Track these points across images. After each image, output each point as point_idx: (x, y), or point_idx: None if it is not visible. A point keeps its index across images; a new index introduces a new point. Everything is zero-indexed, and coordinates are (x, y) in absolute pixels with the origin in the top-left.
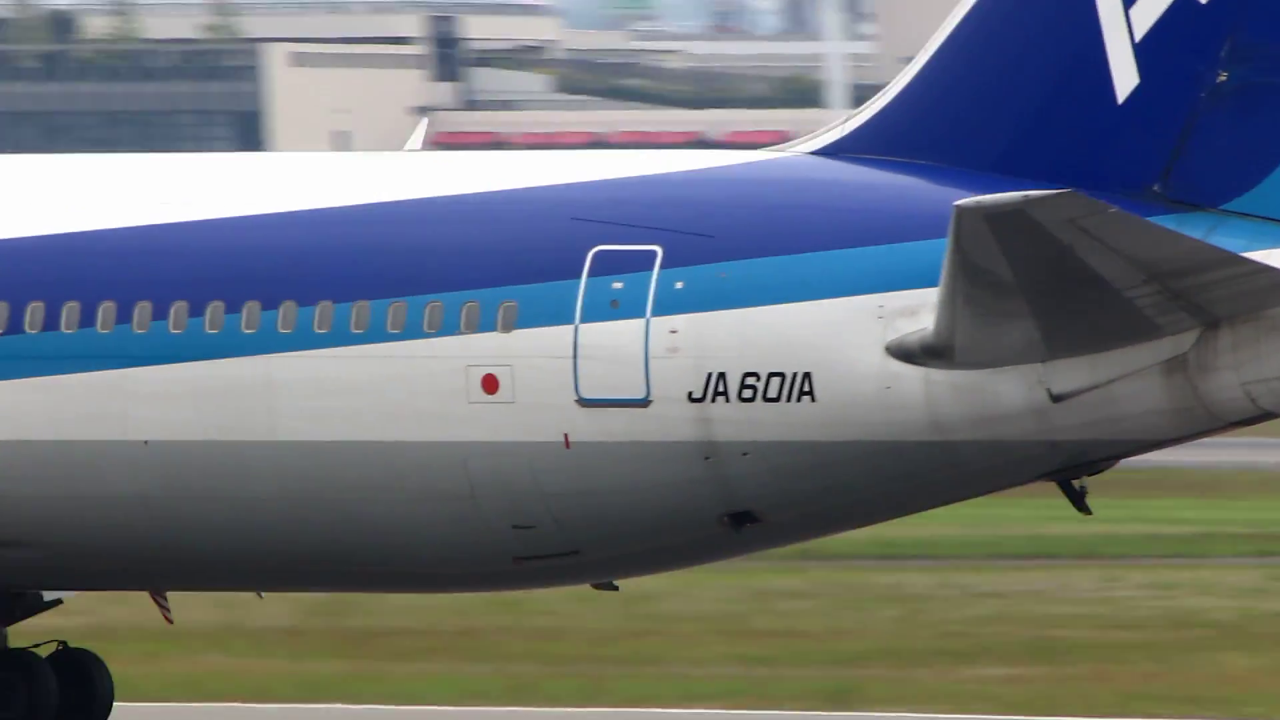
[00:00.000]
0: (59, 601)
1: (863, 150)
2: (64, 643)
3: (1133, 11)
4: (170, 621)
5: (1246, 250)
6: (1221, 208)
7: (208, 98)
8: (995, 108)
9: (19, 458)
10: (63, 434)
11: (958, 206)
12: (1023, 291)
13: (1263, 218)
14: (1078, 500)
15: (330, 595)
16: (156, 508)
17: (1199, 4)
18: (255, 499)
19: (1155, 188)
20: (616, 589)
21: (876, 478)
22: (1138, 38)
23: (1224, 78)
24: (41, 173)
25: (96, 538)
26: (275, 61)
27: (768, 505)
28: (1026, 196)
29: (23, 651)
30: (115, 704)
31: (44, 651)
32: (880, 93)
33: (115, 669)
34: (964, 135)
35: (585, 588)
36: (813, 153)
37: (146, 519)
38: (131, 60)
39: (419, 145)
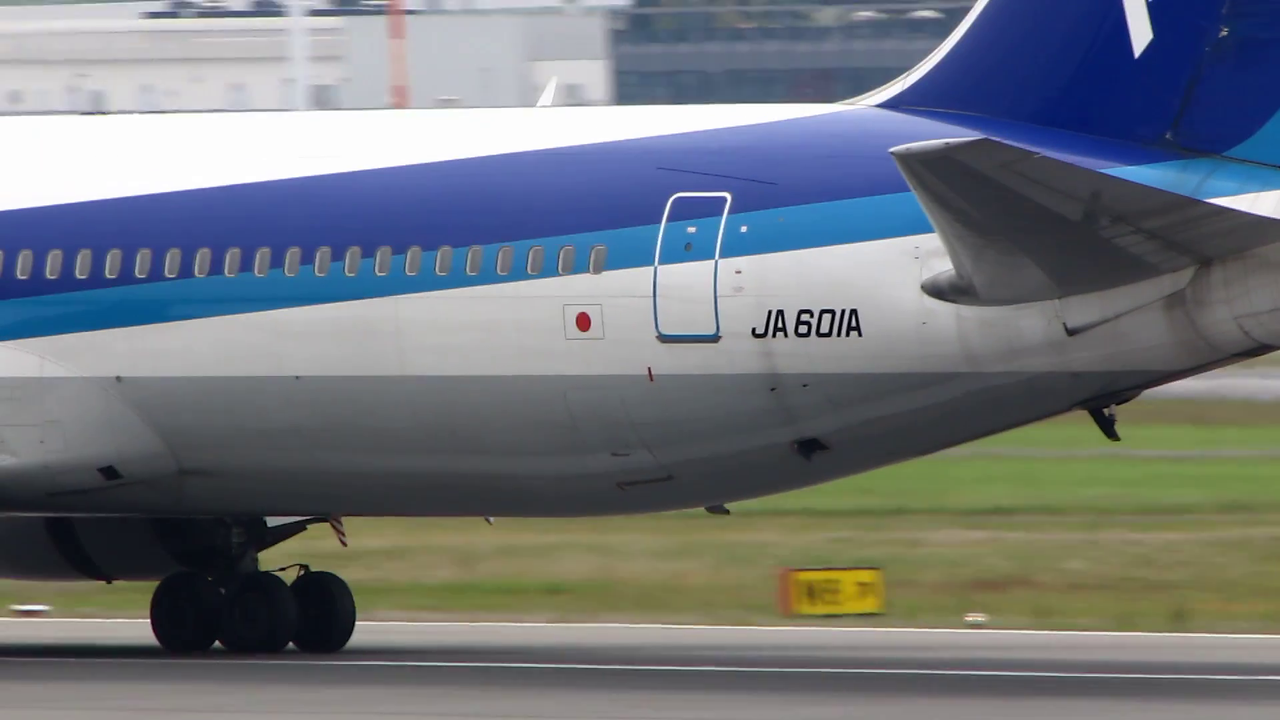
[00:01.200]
0: (303, 527)
1: (919, 103)
2: (306, 566)
3: None
4: (344, 544)
5: (1237, 193)
6: (1224, 154)
7: None
8: (1031, 63)
9: (194, 393)
10: (228, 370)
11: (892, 153)
12: (1001, 231)
13: (1257, 162)
14: (1108, 428)
15: None
16: (308, 438)
17: None
18: (391, 430)
19: (1168, 135)
20: (728, 513)
21: (920, 407)
22: None
23: (1225, 33)
24: (207, 130)
25: (262, 466)
26: None
27: (831, 433)
28: (948, 144)
29: (267, 575)
30: None
31: (289, 575)
32: (936, 49)
33: None
34: (1005, 88)
35: None
36: (878, 105)
37: (300, 449)
38: None
39: (549, 102)
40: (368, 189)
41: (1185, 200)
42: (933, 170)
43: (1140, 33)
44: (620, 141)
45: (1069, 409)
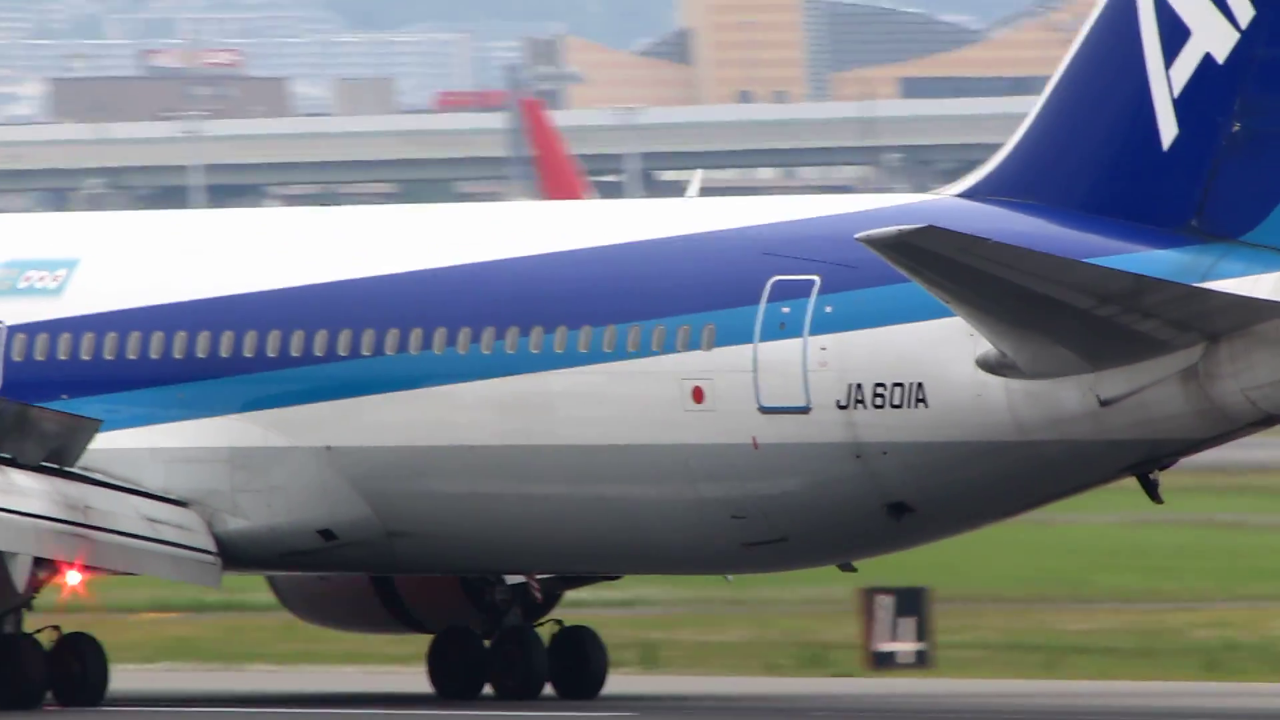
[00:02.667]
0: (558, 588)
1: (992, 192)
2: (560, 622)
3: (1171, 71)
4: (539, 600)
5: (1243, 274)
6: (1239, 239)
7: None
8: (1078, 156)
9: (388, 461)
10: (414, 440)
11: (856, 239)
12: (998, 311)
13: (1267, 246)
14: (1152, 491)
15: None
16: (483, 503)
17: (1218, 64)
18: (548, 495)
19: (1193, 222)
20: (855, 570)
21: (983, 473)
22: (1176, 94)
23: (1237, 128)
24: (390, 221)
25: (450, 529)
26: None
27: (914, 498)
28: (900, 230)
29: (525, 628)
30: None
31: (546, 630)
32: (1007, 141)
33: None
34: (1057, 179)
35: None
36: (957, 195)
37: (478, 513)
38: None
39: (695, 193)
40: (526, 274)
41: (1149, 281)
42: (901, 255)
43: (1168, 127)
44: (732, 229)
45: (1119, 475)
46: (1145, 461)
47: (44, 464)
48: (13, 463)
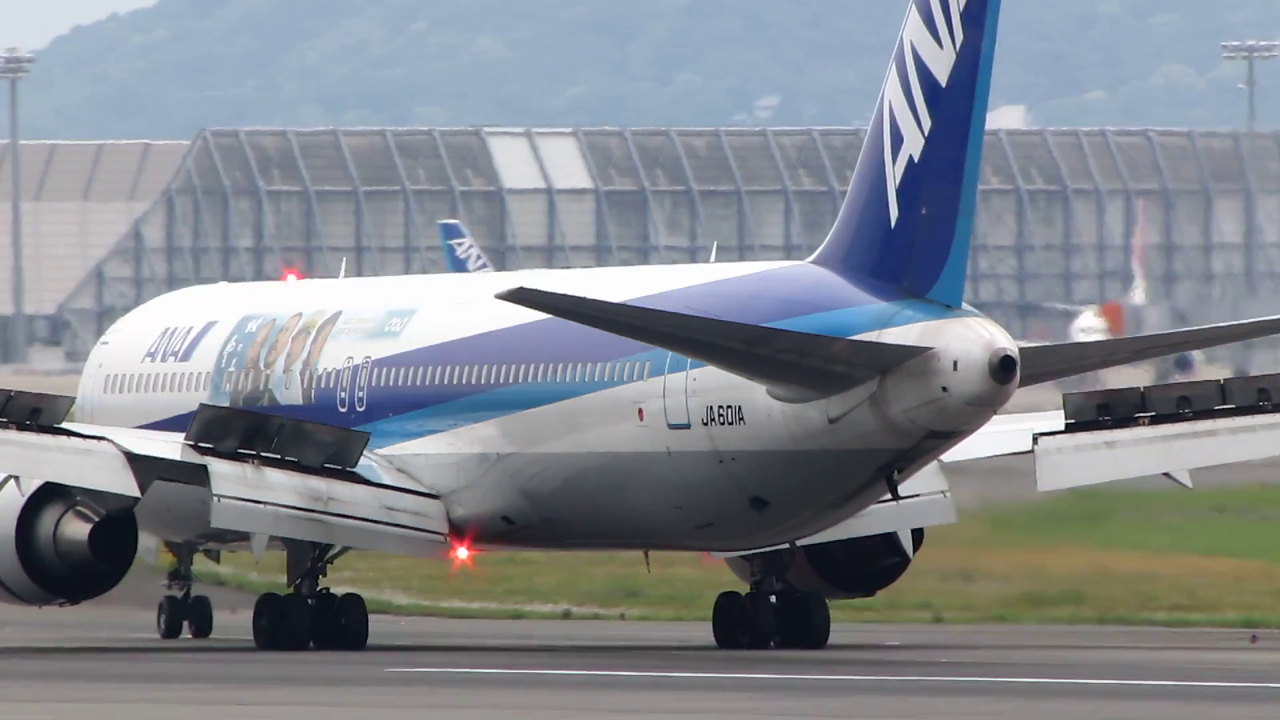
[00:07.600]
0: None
1: (828, 259)
2: (785, 588)
3: (895, 167)
4: (649, 570)
5: (908, 323)
6: (925, 296)
7: None
8: (853, 231)
9: (523, 464)
10: (522, 448)
11: (494, 296)
12: (688, 352)
13: (937, 301)
14: (893, 490)
15: None
16: (564, 496)
17: (916, 163)
18: (587, 490)
19: (905, 283)
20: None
21: (789, 475)
22: (897, 185)
23: (925, 211)
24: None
25: (560, 515)
26: None
27: (765, 493)
28: (510, 290)
29: (754, 594)
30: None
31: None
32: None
33: None
34: (844, 248)
35: None
36: (812, 261)
37: (564, 504)
38: None
39: (712, 259)
40: (559, 327)
41: (772, 333)
42: (526, 307)
43: (894, 211)
44: (667, 291)
45: (877, 475)
46: (885, 465)
47: (326, 465)
48: (296, 465)
